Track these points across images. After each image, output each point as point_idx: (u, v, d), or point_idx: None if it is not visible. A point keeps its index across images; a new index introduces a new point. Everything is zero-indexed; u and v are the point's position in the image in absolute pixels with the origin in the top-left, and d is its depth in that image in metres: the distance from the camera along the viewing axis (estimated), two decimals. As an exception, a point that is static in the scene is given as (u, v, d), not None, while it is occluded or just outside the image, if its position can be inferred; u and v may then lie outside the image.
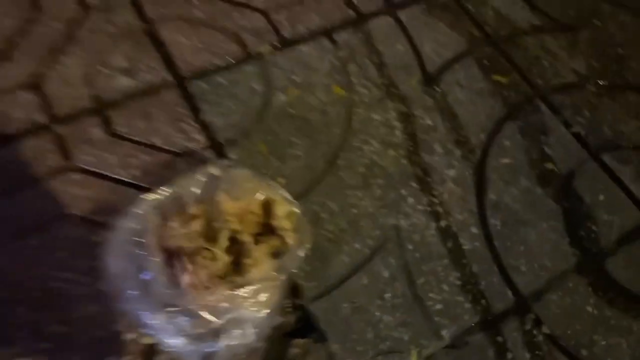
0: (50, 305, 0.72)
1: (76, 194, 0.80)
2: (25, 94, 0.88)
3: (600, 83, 1.02)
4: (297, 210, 0.74)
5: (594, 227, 0.86)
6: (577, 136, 0.96)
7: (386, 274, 0.79)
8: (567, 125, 0.97)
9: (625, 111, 1.00)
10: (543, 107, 0.99)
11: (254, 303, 0.69)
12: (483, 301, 0.78)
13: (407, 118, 0.93)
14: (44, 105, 0.88)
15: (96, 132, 0.86)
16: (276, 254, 0.73)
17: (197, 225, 0.73)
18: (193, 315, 0.66)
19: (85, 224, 0.78)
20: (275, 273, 0.71)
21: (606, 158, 0.94)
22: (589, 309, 0.78)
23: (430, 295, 0.78)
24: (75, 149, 0.84)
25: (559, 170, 0.92)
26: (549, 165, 0.92)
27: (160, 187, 0.71)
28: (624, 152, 0.94)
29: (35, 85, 0.89)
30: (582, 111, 0.99)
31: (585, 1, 1.14)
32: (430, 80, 0.99)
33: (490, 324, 0.76)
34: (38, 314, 0.72)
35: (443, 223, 0.83)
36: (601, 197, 0.89)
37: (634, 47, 1.09)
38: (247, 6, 1.03)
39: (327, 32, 1.01)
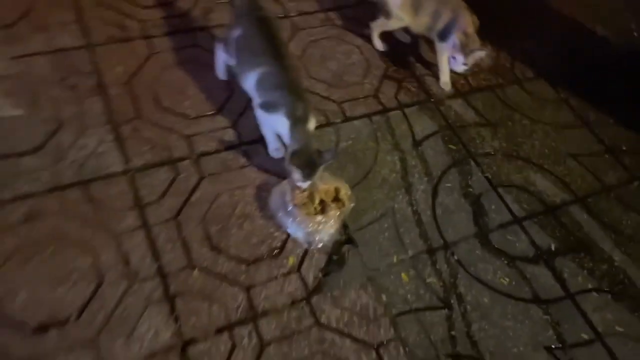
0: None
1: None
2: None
3: (504, 154, 2.03)
4: (349, 191, 1.75)
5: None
6: (487, 178, 1.96)
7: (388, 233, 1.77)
8: (483, 172, 1.97)
9: (513, 168, 2.00)
10: (472, 163, 1.99)
11: (329, 225, 1.69)
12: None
13: (403, 160, 1.95)
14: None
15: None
16: (339, 208, 1.73)
17: (306, 193, 1.73)
18: (304, 222, 1.66)
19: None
20: (338, 214, 1.71)
21: (500, 190, 1.93)
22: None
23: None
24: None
25: (474, 192, 1.91)
26: (470, 190, 1.91)
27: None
28: (512, 189, 1.93)
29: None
30: (492, 167, 1.99)
31: (504, 110, 2.17)
32: (417, 143, 2.01)
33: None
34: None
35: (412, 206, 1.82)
36: (493, 207, 1.88)
37: (528, 141, 2.10)
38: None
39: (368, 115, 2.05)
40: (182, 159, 1.79)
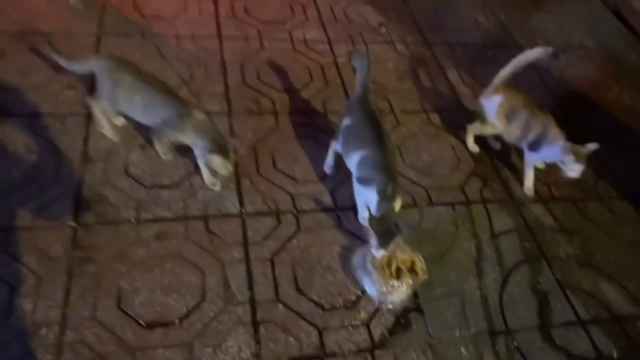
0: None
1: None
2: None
3: (576, 260, 2.14)
4: (424, 265, 1.96)
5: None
6: (557, 279, 2.08)
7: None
8: (553, 273, 2.10)
9: (584, 274, 2.10)
10: (544, 262, 2.13)
11: (401, 290, 1.89)
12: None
13: (479, 248, 2.13)
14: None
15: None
16: (413, 277, 1.94)
17: (385, 259, 1.96)
18: (379, 282, 1.88)
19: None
20: (411, 283, 1.92)
21: (568, 291, 2.04)
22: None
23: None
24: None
25: (543, 288, 2.03)
26: (538, 286, 2.04)
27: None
28: (580, 293, 2.03)
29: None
30: (563, 269, 2.11)
31: (582, 222, 2.30)
32: (494, 236, 2.19)
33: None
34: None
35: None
36: (558, 305, 1.98)
37: (603, 253, 2.20)
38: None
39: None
40: (285, 212, 2.12)
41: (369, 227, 1.84)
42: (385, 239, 1.84)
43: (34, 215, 1.94)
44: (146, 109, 2.03)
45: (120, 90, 2.02)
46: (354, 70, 2.26)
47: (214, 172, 2.12)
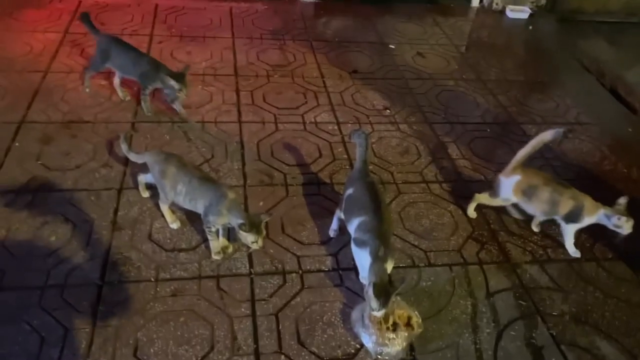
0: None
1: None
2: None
3: (572, 317, 2.21)
4: (420, 320, 2.08)
5: None
6: (551, 335, 2.15)
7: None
8: (548, 329, 2.17)
9: (580, 331, 2.16)
10: (539, 319, 2.21)
11: (397, 342, 2.01)
12: None
13: (474, 306, 2.23)
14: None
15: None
16: (409, 331, 2.05)
17: (382, 314, 2.09)
18: (375, 335, 2.00)
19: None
20: (406, 336, 2.03)
21: (562, 347, 2.09)
22: None
23: None
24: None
25: (537, 344, 2.10)
26: (533, 341, 2.11)
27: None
28: (575, 349, 2.09)
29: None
30: (559, 326, 2.18)
31: (578, 282, 2.39)
32: (489, 295, 2.30)
33: None
34: (324, 327, 2.11)
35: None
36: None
37: (599, 311, 2.27)
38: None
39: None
40: (291, 272, 2.30)
41: (368, 292, 1.98)
42: (384, 300, 1.98)
43: (66, 275, 2.18)
44: (187, 196, 2.29)
45: (166, 181, 2.31)
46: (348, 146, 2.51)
47: (219, 244, 2.33)
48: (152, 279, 2.21)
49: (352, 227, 2.21)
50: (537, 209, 2.54)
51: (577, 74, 4.34)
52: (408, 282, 2.16)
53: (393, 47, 4.36)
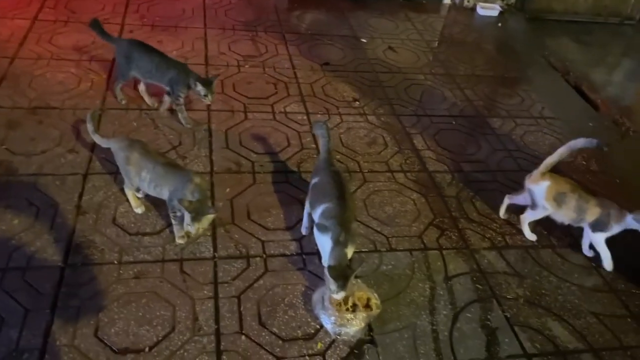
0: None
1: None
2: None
3: (526, 300, 2.29)
4: (379, 302, 2.14)
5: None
6: (506, 317, 2.22)
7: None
8: (503, 311, 2.24)
9: (533, 313, 2.24)
10: (495, 302, 2.28)
11: (355, 323, 2.06)
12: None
13: (432, 289, 2.30)
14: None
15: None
16: (367, 312, 2.10)
17: (342, 296, 2.14)
18: (335, 316, 2.05)
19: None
20: (365, 316, 2.08)
21: (516, 328, 2.17)
22: None
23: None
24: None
25: (492, 325, 2.17)
26: (488, 322, 2.18)
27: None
28: (528, 329, 2.17)
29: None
30: (513, 308, 2.26)
31: (534, 267, 2.47)
32: (448, 278, 2.36)
33: None
34: (285, 309, 2.15)
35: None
36: (506, 340, 2.12)
37: (553, 294, 2.35)
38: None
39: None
40: (255, 256, 2.34)
41: (327, 275, 2.02)
42: (342, 282, 2.02)
43: (28, 258, 2.18)
44: (152, 183, 2.29)
45: (131, 168, 2.32)
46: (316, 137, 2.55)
47: (183, 228, 2.32)
48: (116, 262, 2.22)
49: (316, 214, 2.25)
50: (565, 217, 2.53)
51: (544, 71, 4.46)
52: (367, 265, 2.20)
53: (365, 41, 4.42)
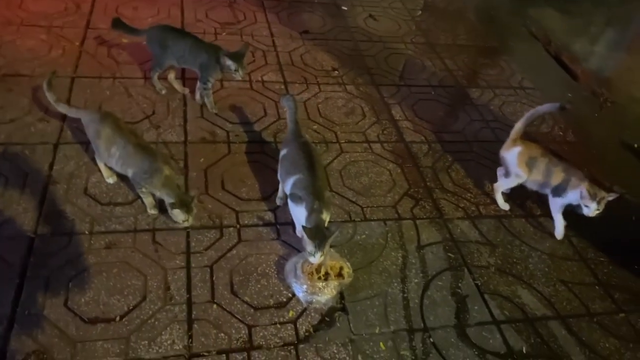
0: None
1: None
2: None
3: (497, 269, 2.32)
4: (351, 270, 2.15)
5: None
6: (476, 285, 2.25)
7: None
8: (474, 279, 2.27)
9: (503, 281, 2.28)
10: (466, 270, 2.31)
11: (327, 291, 2.08)
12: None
13: (405, 257, 2.32)
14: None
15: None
16: (339, 280, 2.12)
17: (315, 265, 2.15)
18: (307, 284, 2.06)
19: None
20: (336, 285, 2.10)
21: (486, 296, 2.21)
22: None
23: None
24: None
25: (462, 293, 2.20)
26: (458, 290, 2.21)
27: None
28: (497, 297, 2.20)
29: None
30: (483, 277, 2.29)
31: (506, 236, 2.50)
32: (420, 247, 2.38)
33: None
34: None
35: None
36: (475, 307, 2.15)
37: (523, 263, 2.39)
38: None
39: (385, 221, 2.49)
40: (228, 227, 2.33)
41: (305, 236, 2.02)
42: (319, 242, 2.02)
43: (-4, 228, 2.15)
44: (120, 160, 2.24)
45: (101, 142, 2.27)
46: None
47: (152, 200, 2.33)
48: (87, 232, 2.20)
49: (287, 186, 2.24)
50: (533, 182, 2.54)
51: (525, 41, 4.43)
52: (340, 235, 2.20)
53: (345, 8, 4.35)
